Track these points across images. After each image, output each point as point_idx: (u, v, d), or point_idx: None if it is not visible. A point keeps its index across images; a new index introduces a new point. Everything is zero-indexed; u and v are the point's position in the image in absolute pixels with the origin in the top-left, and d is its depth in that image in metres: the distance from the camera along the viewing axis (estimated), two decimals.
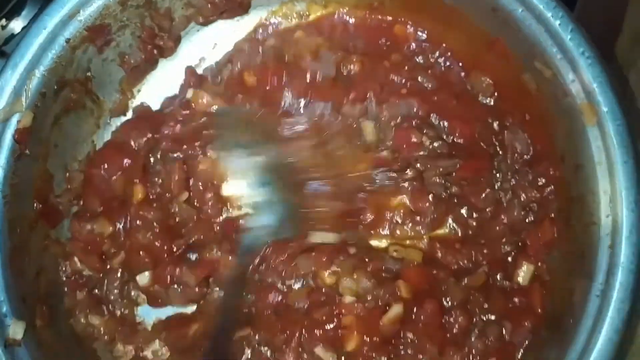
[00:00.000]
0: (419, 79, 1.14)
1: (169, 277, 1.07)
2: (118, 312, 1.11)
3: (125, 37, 1.17)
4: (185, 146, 1.13)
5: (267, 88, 1.15)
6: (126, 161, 1.12)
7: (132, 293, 1.12)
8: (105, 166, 1.12)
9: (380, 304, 1.03)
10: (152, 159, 1.13)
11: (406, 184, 1.11)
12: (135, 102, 1.24)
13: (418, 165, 1.11)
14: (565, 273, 1.03)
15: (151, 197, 1.10)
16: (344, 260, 1.05)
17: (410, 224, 1.11)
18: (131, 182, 1.10)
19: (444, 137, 1.12)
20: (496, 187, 1.11)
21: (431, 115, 1.12)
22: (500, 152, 1.12)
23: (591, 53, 0.99)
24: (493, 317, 1.05)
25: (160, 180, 1.12)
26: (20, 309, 1.01)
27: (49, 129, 1.10)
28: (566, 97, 1.02)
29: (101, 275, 1.12)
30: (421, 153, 1.11)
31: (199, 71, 1.23)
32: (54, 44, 1.06)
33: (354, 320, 1.02)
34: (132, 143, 1.13)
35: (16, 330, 0.99)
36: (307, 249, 1.08)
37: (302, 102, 1.13)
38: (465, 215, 1.12)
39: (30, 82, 1.05)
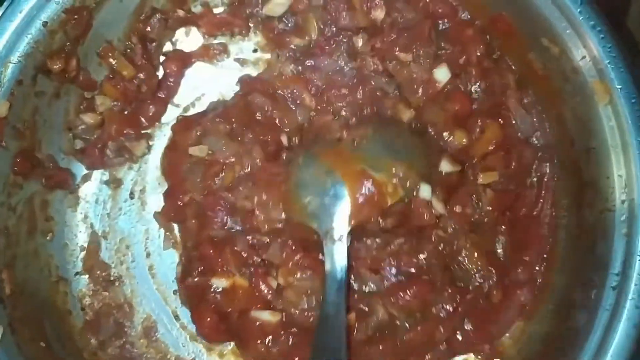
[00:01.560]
0: None
1: None
2: None
3: None
4: None
5: None
6: None
7: None
8: None
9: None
10: None
11: None
12: None
13: None
14: (576, 265, 0.97)
15: None
16: (304, 279, 0.99)
17: None
18: None
19: None
20: None
21: None
22: None
23: (603, 27, 0.92)
24: None
25: None
26: None
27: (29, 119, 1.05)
28: (576, 75, 0.95)
29: None
30: None
31: None
32: (30, 27, 1.00)
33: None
34: None
35: None
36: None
37: None
38: None
39: (6, 69, 0.99)
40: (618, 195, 0.90)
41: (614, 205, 0.90)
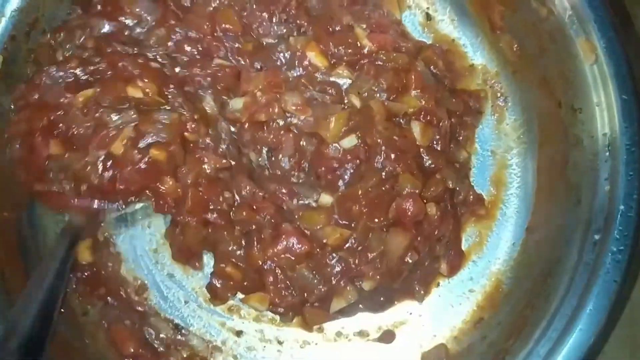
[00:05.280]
0: None
1: None
2: None
3: None
4: None
5: None
6: None
7: None
8: None
9: None
10: None
11: None
12: None
13: None
14: (560, 223, 0.97)
15: None
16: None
17: None
18: None
19: None
20: None
21: None
22: None
23: None
24: None
25: None
26: None
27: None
28: (562, 35, 0.95)
29: None
30: None
31: None
32: None
33: None
34: None
35: None
36: None
37: None
38: None
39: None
40: (601, 153, 0.91)
41: (597, 164, 0.91)
